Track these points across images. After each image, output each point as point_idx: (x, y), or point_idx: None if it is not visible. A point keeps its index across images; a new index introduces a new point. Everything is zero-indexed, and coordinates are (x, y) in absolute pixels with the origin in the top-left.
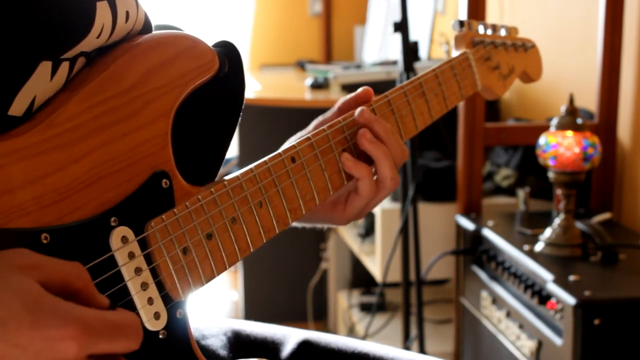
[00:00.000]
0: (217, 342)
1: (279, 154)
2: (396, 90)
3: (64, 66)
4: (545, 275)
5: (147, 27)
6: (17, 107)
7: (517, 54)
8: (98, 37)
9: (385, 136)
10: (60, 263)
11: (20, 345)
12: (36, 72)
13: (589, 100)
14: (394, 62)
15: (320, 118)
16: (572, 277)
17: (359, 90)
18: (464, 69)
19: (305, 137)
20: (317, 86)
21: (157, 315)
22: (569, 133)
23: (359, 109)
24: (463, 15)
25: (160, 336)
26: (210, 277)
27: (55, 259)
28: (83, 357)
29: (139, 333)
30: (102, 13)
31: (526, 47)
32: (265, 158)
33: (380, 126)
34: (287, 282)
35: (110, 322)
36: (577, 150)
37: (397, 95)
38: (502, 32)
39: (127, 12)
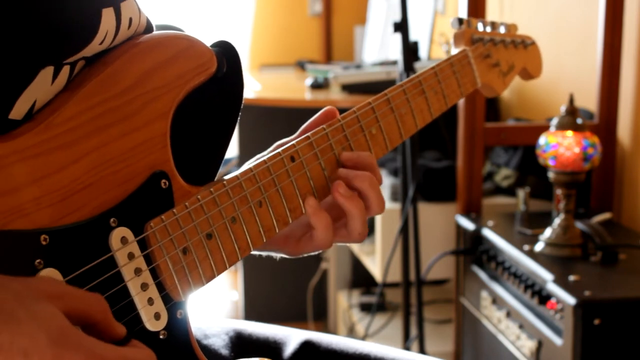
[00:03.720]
0: (218, 341)
1: (278, 153)
2: (395, 89)
3: (65, 70)
4: (545, 275)
5: (148, 31)
6: (18, 111)
7: (517, 51)
8: (101, 43)
9: (366, 192)
10: (82, 294)
11: None
12: (38, 77)
13: (589, 100)
14: (394, 62)
15: (281, 141)
16: (572, 277)
17: (323, 110)
18: (463, 67)
19: (304, 136)
20: (317, 86)
21: (157, 316)
22: (569, 133)
23: (339, 171)
24: (463, 15)
25: (161, 336)
26: (210, 277)
27: (78, 289)
28: None
29: None
30: (107, 20)
31: (526, 44)
32: (265, 157)
33: (360, 182)
34: (287, 282)
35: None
36: (577, 150)
37: (397, 93)
38: (502, 30)
39: (130, 19)
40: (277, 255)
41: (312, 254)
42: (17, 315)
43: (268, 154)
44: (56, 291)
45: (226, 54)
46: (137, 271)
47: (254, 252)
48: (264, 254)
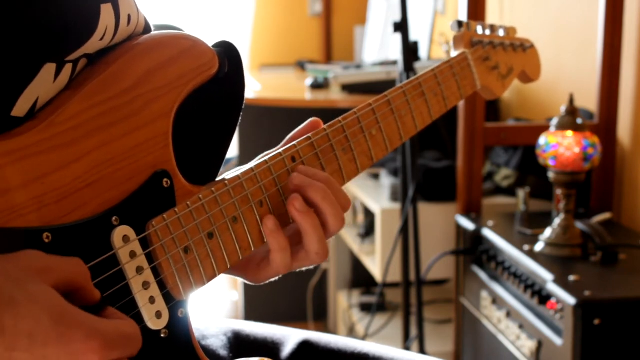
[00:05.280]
0: (217, 342)
1: (279, 153)
2: (395, 90)
3: (67, 68)
4: (545, 275)
5: (147, 31)
6: (20, 108)
7: (516, 54)
8: (101, 39)
9: (321, 203)
10: (65, 262)
11: (46, 357)
12: (40, 74)
13: (589, 100)
14: (394, 62)
15: (265, 153)
16: (572, 277)
17: (308, 121)
18: (462, 69)
19: (305, 137)
20: (317, 86)
21: (158, 315)
22: (569, 133)
23: (293, 175)
24: (463, 16)
25: (162, 335)
26: (211, 276)
27: (60, 257)
28: None
29: (140, 341)
30: (106, 15)
31: (525, 47)
32: (266, 157)
33: (316, 192)
34: (287, 282)
35: (122, 333)
36: (577, 150)
37: (397, 95)
38: (501, 33)
39: (129, 16)
40: (239, 280)
41: (272, 280)
42: (16, 297)
43: (256, 161)
44: (43, 265)
45: (228, 54)
46: (139, 270)
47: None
48: (228, 276)
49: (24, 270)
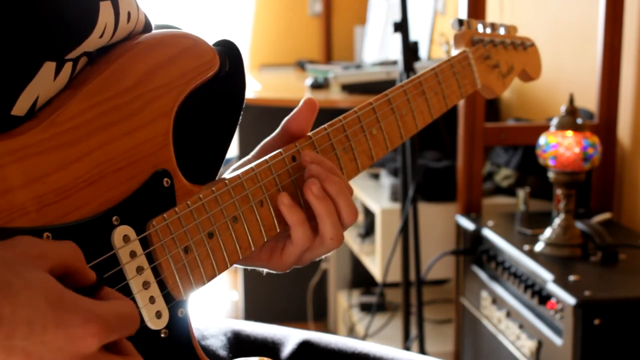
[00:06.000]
0: (217, 342)
1: (280, 152)
2: (396, 89)
3: (67, 66)
4: (545, 275)
5: (147, 28)
6: (20, 107)
7: (517, 53)
8: (101, 37)
9: (336, 197)
10: (60, 246)
11: (45, 343)
12: (40, 73)
13: (589, 100)
14: (394, 62)
15: (266, 139)
16: (572, 277)
17: (302, 101)
18: (463, 68)
19: (306, 136)
20: (317, 86)
21: (158, 315)
22: (569, 133)
23: (307, 166)
24: (463, 15)
25: (162, 335)
26: (211, 276)
27: (54, 242)
28: (98, 348)
29: (139, 320)
30: (105, 13)
31: (525, 46)
32: (266, 157)
33: (332, 184)
34: (287, 282)
35: (120, 315)
36: (577, 150)
37: (397, 94)
38: (502, 31)
39: (129, 13)
40: (264, 270)
41: (298, 266)
42: (13, 284)
43: (252, 157)
44: (38, 251)
45: (229, 53)
46: (139, 269)
47: (237, 265)
48: (248, 267)
49: (21, 257)
